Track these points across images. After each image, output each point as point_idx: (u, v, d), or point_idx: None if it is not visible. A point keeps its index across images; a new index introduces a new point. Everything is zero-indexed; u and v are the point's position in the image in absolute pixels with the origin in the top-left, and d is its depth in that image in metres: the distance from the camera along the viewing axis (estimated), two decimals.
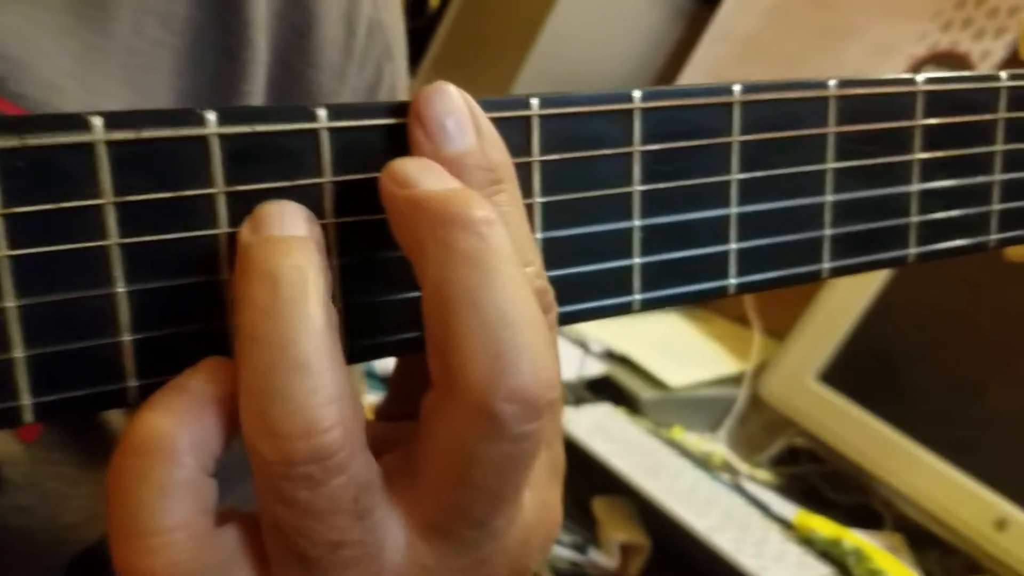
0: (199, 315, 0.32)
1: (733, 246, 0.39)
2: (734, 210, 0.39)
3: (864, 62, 1.58)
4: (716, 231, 0.39)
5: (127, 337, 0.31)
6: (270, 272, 0.29)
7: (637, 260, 0.38)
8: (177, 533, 0.29)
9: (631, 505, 1.24)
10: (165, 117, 0.30)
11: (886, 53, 1.57)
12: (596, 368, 1.44)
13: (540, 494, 0.35)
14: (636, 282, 0.38)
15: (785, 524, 1.23)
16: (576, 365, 1.41)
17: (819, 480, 1.37)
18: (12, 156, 0.28)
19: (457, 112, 0.32)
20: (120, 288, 0.30)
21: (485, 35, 1.71)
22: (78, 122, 0.29)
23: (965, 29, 1.51)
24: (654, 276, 0.38)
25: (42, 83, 0.43)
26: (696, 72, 1.72)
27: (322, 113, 0.32)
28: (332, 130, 0.32)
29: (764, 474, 1.37)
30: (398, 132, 0.33)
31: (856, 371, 1.36)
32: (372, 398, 1.25)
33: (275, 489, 0.29)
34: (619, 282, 0.38)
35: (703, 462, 1.32)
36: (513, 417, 0.29)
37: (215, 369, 0.31)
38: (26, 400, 0.30)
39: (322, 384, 0.29)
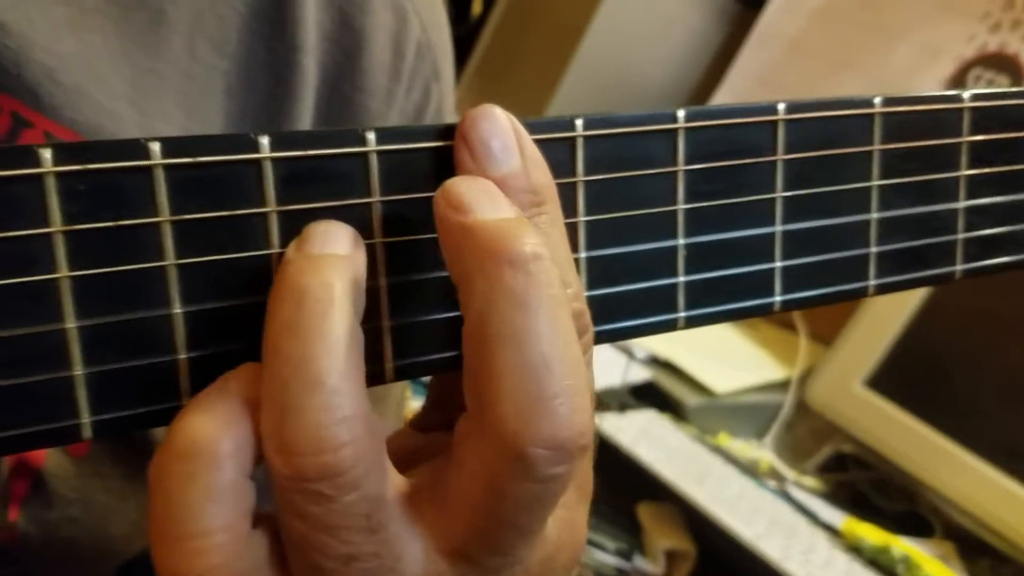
0: (251, 334, 0.32)
1: (778, 264, 0.40)
2: (779, 228, 0.39)
3: (912, 64, 1.56)
4: (761, 249, 0.39)
5: (183, 355, 0.31)
6: (297, 288, 0.30)
7: (681, 278, 0.38)
8: (220, 536, 0.30)
9: (677, 512, 1.24)
10: (220, 143, 0.31)
11: (934, 54, 1.55)
12: (640, 374, 1.44)
13: (566, 515, 0.35)
14: (680, 300, 0.38)
15: (832, 531, 1.22)
16: (620, 371, 1.41)
17: (867, 487, 1.36)
18: (74, 179, 0.29)
19: (503, 134, 0.33)
20: (177, 308, 0.31)
21: (528, 42, 1.72)
22: (137, 148, 0.30)
23: (1015, 31, 1.49)
24: (698, 294, 0.38)
25: (98, 109, 0.44)
26: (741, 75, 1.72)
27: (371, 136, 0.32)
28: (381, 152, 0.33)
29: (811, 481, 1.36)
30: (445, 154, 0.33)
31: (904, 376, 1.35)
32: (416, 404, 1.25)
33: (289, 503, 0.30)
34: (663, 300, 0.38)
35: (749, 469, 1.32)
36: (544, 461, 0.29)
37: (254, 374, 0.31)
38: (86, 418, 0.31)
39: (337, 402, 0.29)
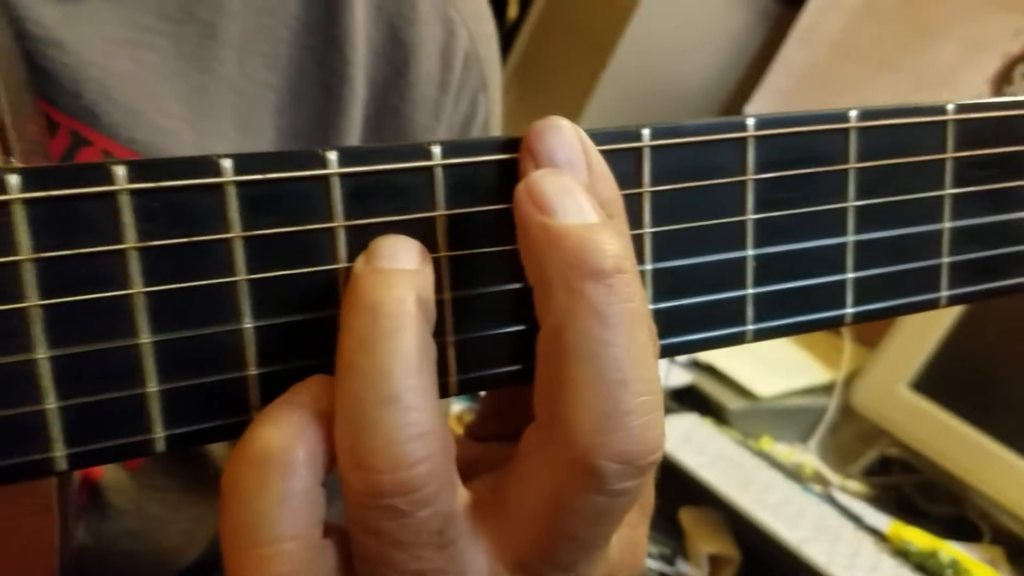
0: (319, 348, 0.32)
1: (850, 275, 0.39)
2: (851, 238, 0.39)
3: (956, 61, 1.54)
4: (832, 260, 0.39)
5: (253, 371, 0.31)
6: (371, 303, 0.30)
7: (750, 290, 0.37)
8: (291, 543, 0.30)
9: (720, 516, 1.23)
10: (289, 158, 0.31)
11: (978, 51, 1.53)
12: (682, 378, 1.43)
13: (629, 534, 0.35)
14: (749, 312, 0.38)
15: (879, 536, 1.21)
16: (662, 375, 1.38)
17: (913, 491, 1.35)
18: (148, 197, 0.29)
19: (569, 148, 0.32)
20: (247, 323, 0.31)
21: (564, 44, 1.71)
22: (209, 165, 0.30)
23: None
24: (768, 306, 0.38)
25: (154, 128, 0.44)
26: (780, 76, 1.70)
27: (436, 150, 0.32)
28: (446, 166, 0.32)
29: (856, 485, 1.35)
30: (509, 167, 0.33)
31: (949, 378, 1.33)
32: (457, 407, 1.25)
33: (363, 518, 0.30)
34: (731, 312, 0.37)
35: (794, 473, 1.30)
36: (615, 475, 0.29)
37: (323, 387, 0.31)
38: (159, 432, 0.31)
39: (412, 419, 0.29)
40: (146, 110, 0.44)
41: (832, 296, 0.39)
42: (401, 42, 0.54)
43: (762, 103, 1.70)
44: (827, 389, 1.46)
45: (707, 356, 1.45)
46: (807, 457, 1.38)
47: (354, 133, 0.53)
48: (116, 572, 0.50)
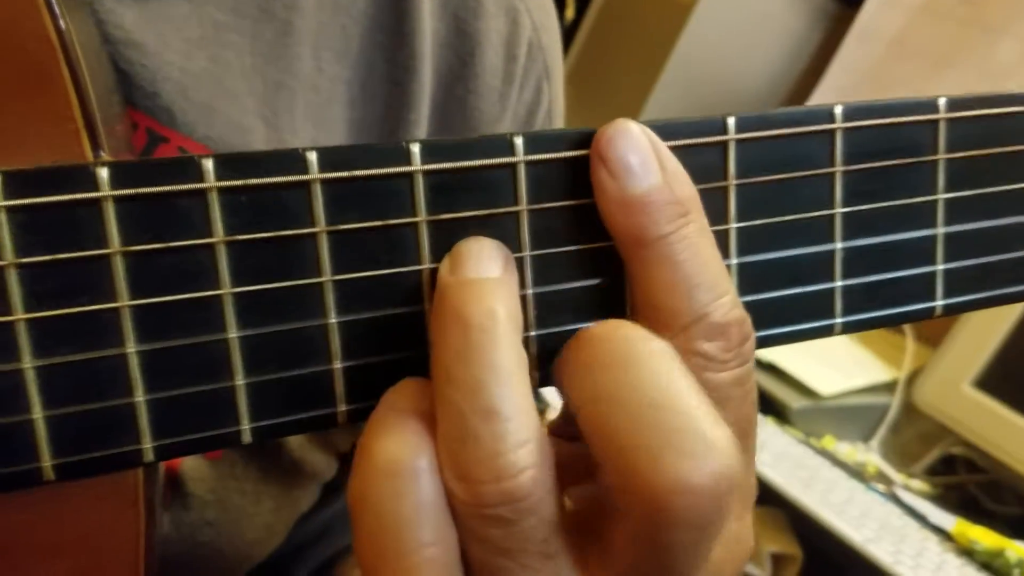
0: (404, 343, 0.32)
1: (940, 267, 0.38)
2: (940, 230, 0.38)
3: (1017, 58, 1.52)
4: (922, 252, 0.38)
5: (338, 365, 0.32)
6: (463, 317, 0.30)
7: (839, 283, 0.37)
8: (434, 549, 0.30)
9: (783, 515, 1.22)
10: (373, 152, 0.31)
11: None
12: None
13: (732, 527, 0.34)
14: (838, 305, 0.37)
15: (944, 535, 1.19)
16: None
17: (977, 490, 1.32)
18: (236, 192, 0.30)
19: (640, 150, 0.32)
20: (333, 319, 0.31)
21: (623, 44, 1.71)
22: (295, 159, 0.30)
23: None
24: (857, 299, 0.37)
25: (229, 124, 0.45)
26: (840, 74, 1.69)
27: (519, 142, 0.32)
28: (529, 162, 0.32)
29: (920, 484, 1.33)
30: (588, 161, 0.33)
31: (1014, 376, 1.30)
32: None
33: (469, 527, 0.30)
34: (819, 306, 0.37)
35: (857, 472, 1.29)
36: (688, 509, 0.28)
37: (417, 390, 0.31)
38: (246, 424, 0.31)
39: (512, 428, 0.29)
40: (222, 107, 0.45)
41: (922, 288, 0.38)
42: (466, 34, 0.54)
43: (821, 102, 1.69)
44: (889, 387, 1.44)
45: (769, 354, 1.43)
46: (870, 456, 1.36)
47: (422, 124, 0.54)
48: (200, 564, 0.50)
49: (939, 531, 1.20)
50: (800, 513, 1.19)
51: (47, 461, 0.29)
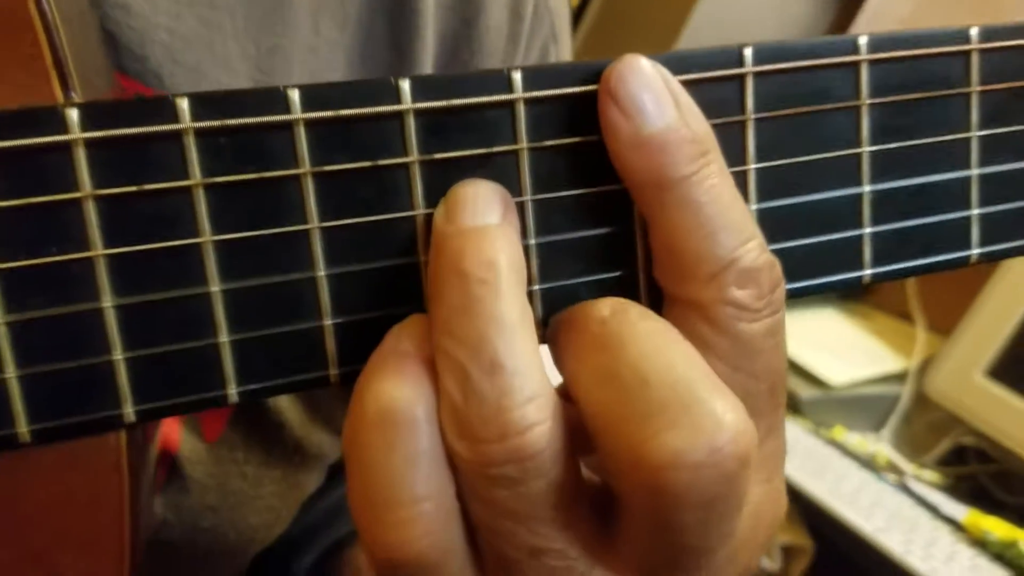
0: (398, 297, 0.30)
1: (975, 211, 0.36)
2: (975, 171, 0.35)
3: None
4: (956, 195, 0.35)
5: (328, 321, 0.30)
6: (461, 269, 0.28)
7: (867, 230, 0.34)
8: (426, 504, 0.28)
9: (793, 506, 1.21)
10: (360, 89, 0.29)
11: None
12: None
13: (756, 493, 0.32)
14: (867, 254, 0.35)
15: (955, 525, 1.18)
16: None
17: (989, 480, 1.30)
18: (213, 134, 0.28)
19: (654, 87, 0.30)
20: (321, 271, 0.29)
21: (628, 31, 1.69)
22: (276, 98, 0.28)
23: None
24: (887, 247, 0.35)
25: (219, 88, 0.43)
26: None
27: (517, 77, 0.30)
28: (528, 100, 0.30)
29: (931, 474, 1.31)
30: (595, 96, 0.31)
31: None
32: None
33: (473, 488, 0.28)
34: (847, 255, 0.34)
35: (867, 462, 1.28)
36: (689, 486, 0.26)
37: (425, 329, 0.29)
38: (232, 387, 0.29)
39: (518, 384, 0.27)
40: (213, 72, 0.43)
41: (956, 235, 0.36)
42: None
43: None
44: (900, 377, 1.43)
45: None
46: (880, 446, 1.35)
47: None
48: (203, 550, 0.49)
49: (951, 522, 1.19)
50: (810, 504, 1.18)
51: (24, 425, 0.28)
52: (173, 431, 0.45)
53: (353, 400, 0.29)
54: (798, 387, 1.37)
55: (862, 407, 1.40)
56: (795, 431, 1.31)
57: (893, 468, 1.31)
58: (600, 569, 0.29)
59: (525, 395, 0.27)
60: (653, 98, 0.30)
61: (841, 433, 1.35)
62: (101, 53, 0.38)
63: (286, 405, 0.50)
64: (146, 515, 0.33)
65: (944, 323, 1.44)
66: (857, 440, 1.35)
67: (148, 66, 0.41)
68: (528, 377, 0.27)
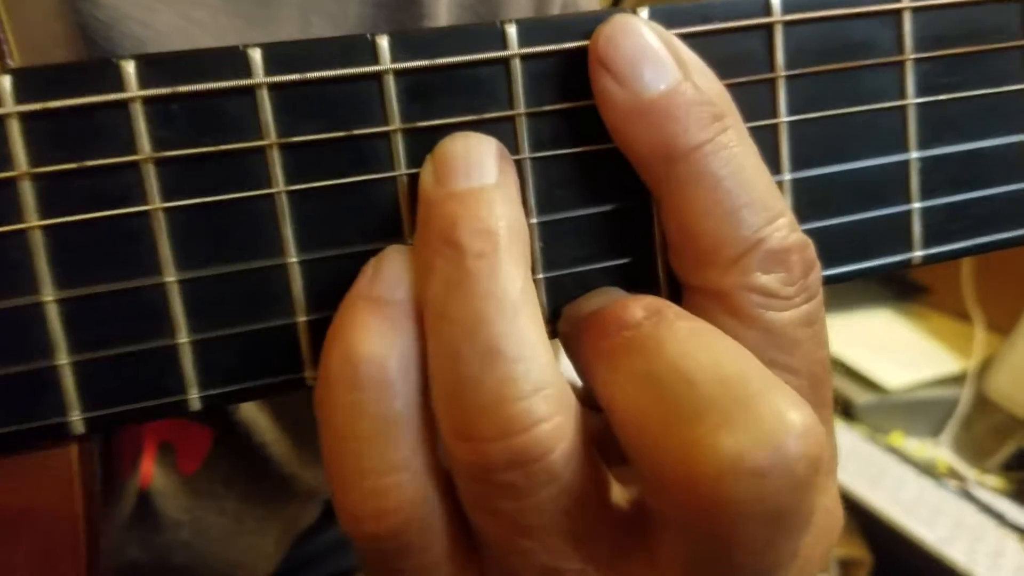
0: None
1: None
2: None
3: None
4: (1014, 163, 0.31)
5: (302, 318, 0.26)
6: (454, 240, 0.24)
7: (916, 204, 0.30)
8: (402, 475, 0.25)
9: (849, 517, 1.16)
10: (332, 48, 0.25)
11: None
12: None
13: (821, 501, 0.28)
14: (916, 233, 0.31)
15: (1023, 533, 1.13)
16: None
17: None
18: (164, 102, 0.24)
19: (649, 46, 0.26)
20: (292, 257, 0.26)
21: None
22: (236, 58, 0.25)
23: None
24: (938, 224, 0.31)
25: None
26: None
27: (512, 32, 0.26)
28: (525, 57, 0.27)
29: (995, 480, 1.27)
30: None
31: None
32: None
33: (476, 496, 0.25)
34: (892, 234, 0.30)
35: (927, 469, 1.24)
36: (750, 497, 0.22)
37: (400, 267, 0.26)
38: (194, 392, 0.26)
39: (521, 371, 0.24)
40: None
41: (1017, 209, 0.32)
42: None
43: None
44: (959, 379, 1.38)
45: (831, 347, 1.38)
46: (940, 452, 1.31)
47: None
48: None
49: (1018, 530, 1.14)
50: (868, 514, 1.15)
51: None
52: (146, 463, 0.42)
53: (321, 355, 0.26)
54: (853, 392, 1.33)
55: (920, 411, 1.35)
56: (850, 438, 1.27)
57: (954, 474, 1.27)
58: None
59: (529, 385, 0.24)
60: (650, 59, 0.26)
61: (899, 439, 1.31)
62: (75, 47, 0.36)
63: (272, 439, 0.47)
64: (110, 542, 0.30)
65: (1003, 321, 1.40)
66: (916, 446, 1.31)
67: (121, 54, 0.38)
68: (532, 363, 0.24)
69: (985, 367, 1.38)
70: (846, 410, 1.32)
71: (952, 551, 1.07)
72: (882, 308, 1.54)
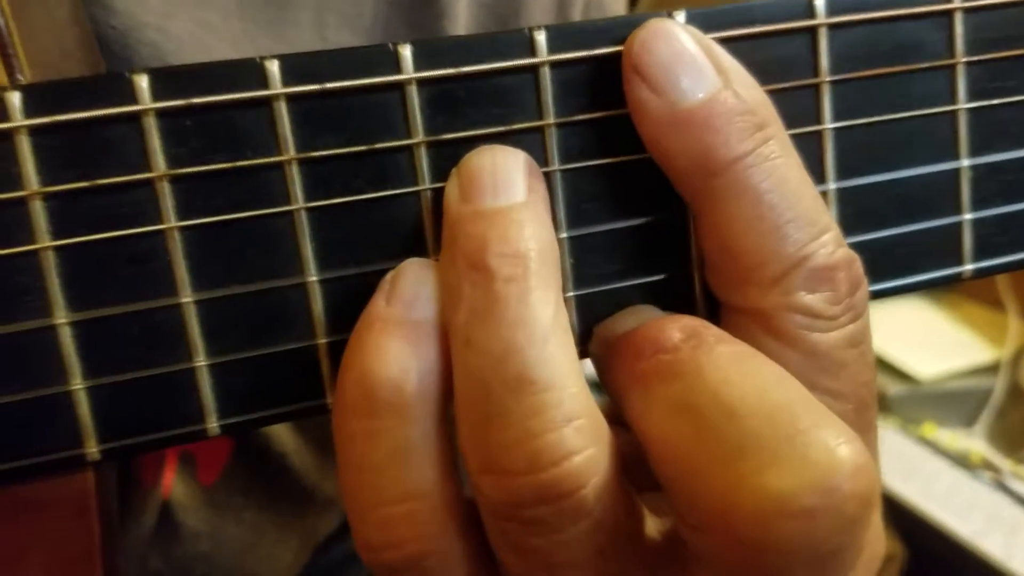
0: None
1: None
2: None
3: None
4: None
5: (323, 340, 0.25)
6: (482, 264, 0.23)
7: (967, 215, 0.29)
8: (418, 503, 0.24)
9: (881, 510, 1.16)
10: (353, 58, 0.24)
11: None
12: None
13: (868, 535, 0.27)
14: (966, 246, 0.29)
15: None
16: None
17: None
18: (178, 116, 0.23)
19: (686, 54, 0.25)
20: (312, 276, 0.25)
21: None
22: (252, 70, 0.24)
23: None
24: (990, 236, 0.29)
25: None
26: None
27: (541, 39, 0.25)
28: (554, 64, 0.26)
29: None
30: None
31: None
32: None
33: (503, 533, 0.24)
34: (941, 247, 0.29)
35: (960, 460, 1.23)
36: (804, 538, 0.21)
37: (416, 283, 0.25)
38: (213, 421, 0.25)
39: (552, 401, 0.23)
40: None
41: None
42: None
43: None
44: (992, 368, 1.37)
45: None
46: (974, 443, 1.30)
47: None
48: None
49: None
50: (900, 507, 1.15)
51: None
52: (167, 474, 0.42)
53: (337, 380, 0.25)
54: (884, 383, 1.32)
55: (953, 401, 1.34)
56: (881, 429, 1.23)
57: (989, 465, 1.25)
58: None
59: (561, 415, 0.22)
60: (687, 66, 0.25)
61: (931, 430, 1.29)
62: (89, 55, 0.34)
63: (292, 449, 0.46)
64: (134, 554, 0.29)
65: None
66: (949, 437, 1.30)
67: (133, 67, 0.37)
68: (564, 392, 0.23)
69: (1019, 356, 1.37)
70: (878, 401, 1.31)
71: (987, 544, 1.07)
72: (913, 297, 1.53)
